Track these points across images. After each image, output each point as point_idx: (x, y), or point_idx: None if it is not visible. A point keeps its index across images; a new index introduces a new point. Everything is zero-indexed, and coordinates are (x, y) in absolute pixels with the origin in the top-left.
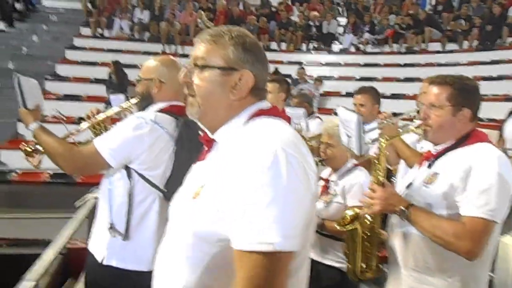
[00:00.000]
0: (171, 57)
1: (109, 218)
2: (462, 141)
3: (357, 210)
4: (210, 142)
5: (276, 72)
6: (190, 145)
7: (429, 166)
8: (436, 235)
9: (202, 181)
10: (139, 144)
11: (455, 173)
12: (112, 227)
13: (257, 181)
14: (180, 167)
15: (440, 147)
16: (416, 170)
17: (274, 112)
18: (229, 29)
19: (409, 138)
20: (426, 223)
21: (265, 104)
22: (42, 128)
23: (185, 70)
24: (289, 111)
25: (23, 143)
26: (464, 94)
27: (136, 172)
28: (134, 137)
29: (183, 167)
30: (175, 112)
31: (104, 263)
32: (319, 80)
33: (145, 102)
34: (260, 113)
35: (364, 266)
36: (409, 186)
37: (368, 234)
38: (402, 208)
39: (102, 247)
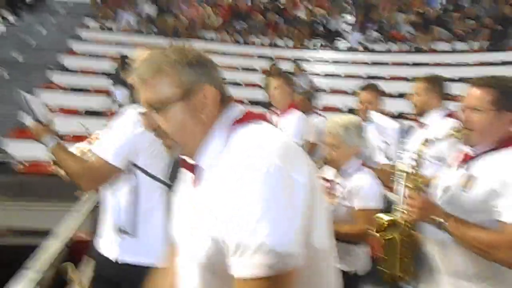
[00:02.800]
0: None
1: (116, 220)
2: (503, 144)
3: (395, 216)
4: (194, 169)
5: (274, 66)
6: None
7: (467, 168)
8: (475, 247)
9: (196, 211)
10: (141, 139)
11: (495, 178)
12: (120, 229)
13: (240, 201)
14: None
15: (479, 149)
16: (453, 172)
17: (249, 116)
18: (162, 55)
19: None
20: (465, 236)
21: (235, 112)
22: (59, 146)
23: (144, 119)
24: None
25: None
26: (509, 97)
27: (140, 168)
28: (135, 133)
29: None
30: None
31: (119, 261)
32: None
33: None
34: (236, 123)
35: (401, 271)
36: (446, 190)
37: (407, 242)
38: (440, 220)
39: (113, 247)
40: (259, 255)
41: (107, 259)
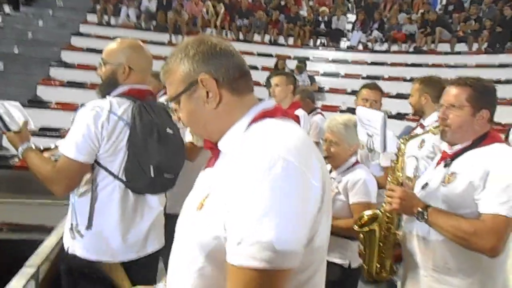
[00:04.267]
0: (138, 41)
1: (72, 216)
2: (479, 141)
3: (376, 211)
4: (215, 150)
5: (278, 64)
6: (144, 130)
7: (446, 165)
8: (456, 236)
9: (206, 191)
10: (100, 134)
11: (474, 172)
12: (72, 227)
13: (251, 190)
14: (135, 153)
15: (456, 147)
16: (432, 170)
17: (278, 112)
18: (176, 49)
19: (430, 138)
20: (445, 224)
21: (269, 104)
22: (30, 152)
23: (175, 113)
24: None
25: None
26: (484, 95)
27: (96, 161)
28: (93, 129)
29: (138, 153)
30: (134, 95)
31: (69, 252)
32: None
33: (109, 87)
34: (263, 114)
35: (379, 266)
36: (425, 186)
37: (385, 234)
38: (420, 209)
39: (68, 236)
40: (258, 246)
41: (63, 249)
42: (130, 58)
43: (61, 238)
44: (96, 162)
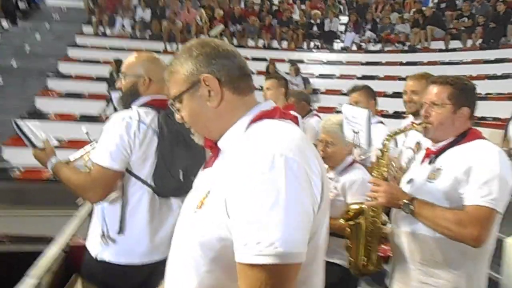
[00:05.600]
0: (153, 53)
1: (101, 221)
2: (461, 138)
3: (362, 205)
4: (215, 149)
5: (268, 68)
6: (171, 137)
7: (430, 162)
8: (441, 226)
9: (206, 190)
10: (132, 143)
11: (458, 167)
12: (103, 234)
13: (255, 189)
14: (164, 159)
15: (440, 144)
16: (417, 167)
17: (277, 113)
18: (181, 49)
19: (413, 136)
20: (430, 215)
21: (268, 105)
22: (59, 165)
23: (175, 112)
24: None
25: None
26: (464, 93)
27: (128, 171)
28: (126, 138)
29: (167, 159)
30: (157, 105)
31: (98, 258)
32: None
33: (131, 98)
34: (262, 115)
35: (365, 259)
36: (410, 182)
37: (371, 228)
38: (406, 201)
39: (96, 243)
40: (266, 243)
41: (90, 256)
42: (148, 69)
43: (62, 249)
44: (126, 169)
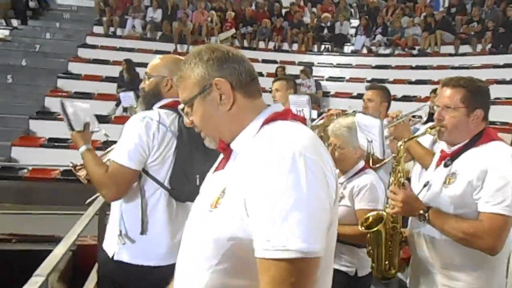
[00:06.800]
0: (178, 56)
1: (119, 221)
2: (476, 140)
3: (381, 212)
4: (227, 150)
5: (280, 69)
6: (190, 141)
7: (445, 165)
8: (456, 236)
9: (220, 189)
10: (151, 144)
11: (472, 172)
12: (121, 234)
13: (276, 187)
14: (181, 163)
15: (455, 147)
16: (432, 171)
17: (289, 114)
18: (189, 54)
19: (425, 139)
20: (446, 226)
21: (279, 107)
22: (87, 153)
23: (186, 118)
24: (293, 98)
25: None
26: (477, 95)
27: (143, 169)
28: (145, 138)
29: (184, 163)
30: (177, 107)
31: (115, 258)
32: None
33: (153, 99)
34: (275, 116)
35: (387, 264)
36: (426, 185)
37: (391, 234)
38: (421, 212)
39: (113, 243)
40: (289, 238)
41: (107, 256)
42: (172, 71)
43: (69, 248)
44: (144, 170)
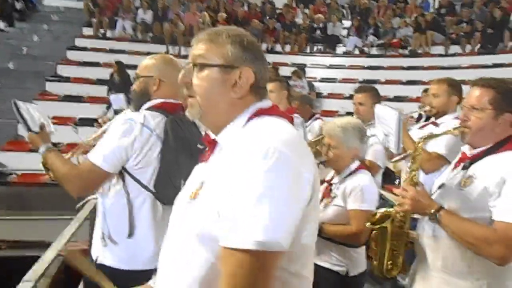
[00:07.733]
0: (170, 55)
1: (102, 224)
2: (500, 145)
3: (389, 209)
4: (212, 144)
5: (272, 69)
6: (177, 144)
7: (464, 168)
8: (466, 241)
9: (200, 181)
10: (130, 147)
11: (491, 178)
12: (103, 236)
13: (246, 178)
14: (166, 166)
15: (476, 150)
16: (450, 171)
17: (275, 110)
18: (227, 28)
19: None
20: (457, 228)
21: (265, 103)
22: (49, 151)
23: (183, 71)
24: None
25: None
26: (508, 98)
27: (127, 171)
28: (125, 143)
29: (170, 166)
30: (166, 109)
31: (98, 262)
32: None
33: (142, 99)
34: (260, 112)
35: (390, 263)
36: (441, 186)
37: (397, 232)
38: (432, 211)
39: (97, 247)
40: (251, 229)
41: (91, 259)
42: (162, 71)
43: (59, 253)
44: (128, 172)
